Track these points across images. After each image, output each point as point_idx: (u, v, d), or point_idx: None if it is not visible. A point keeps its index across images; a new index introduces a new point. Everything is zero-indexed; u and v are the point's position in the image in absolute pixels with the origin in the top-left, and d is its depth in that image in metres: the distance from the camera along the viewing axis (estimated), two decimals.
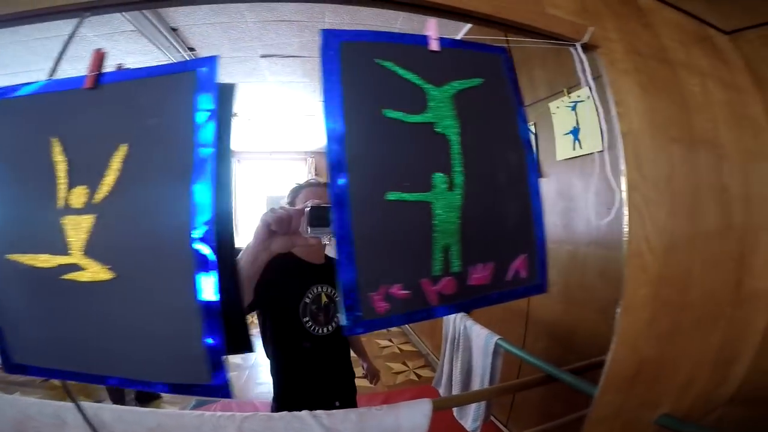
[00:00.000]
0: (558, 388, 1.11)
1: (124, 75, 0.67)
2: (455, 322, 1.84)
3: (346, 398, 1.34)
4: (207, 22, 2.37)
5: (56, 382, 0.74)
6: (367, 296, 0.65)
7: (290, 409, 0.86)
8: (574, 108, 1.68)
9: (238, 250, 0.76)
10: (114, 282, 0.63)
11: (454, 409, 1.70)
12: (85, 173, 0.65)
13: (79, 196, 0.64)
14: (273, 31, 2.49)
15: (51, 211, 0.65)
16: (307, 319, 1.21)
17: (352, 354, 1.49)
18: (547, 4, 0.90)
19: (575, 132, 1.69)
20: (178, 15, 2.27)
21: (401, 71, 0.72)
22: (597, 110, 0.87)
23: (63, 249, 0.64)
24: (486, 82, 0.80)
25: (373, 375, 1.69)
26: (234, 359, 3.50)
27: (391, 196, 0.68)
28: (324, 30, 0.69)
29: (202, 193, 0.60)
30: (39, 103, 0.70)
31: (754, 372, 1.11)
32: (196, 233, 0.60)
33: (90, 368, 0.68)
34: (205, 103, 0.62)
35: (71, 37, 0.72)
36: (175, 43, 2.48)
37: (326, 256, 1.35)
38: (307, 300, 1.22)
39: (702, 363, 1.01)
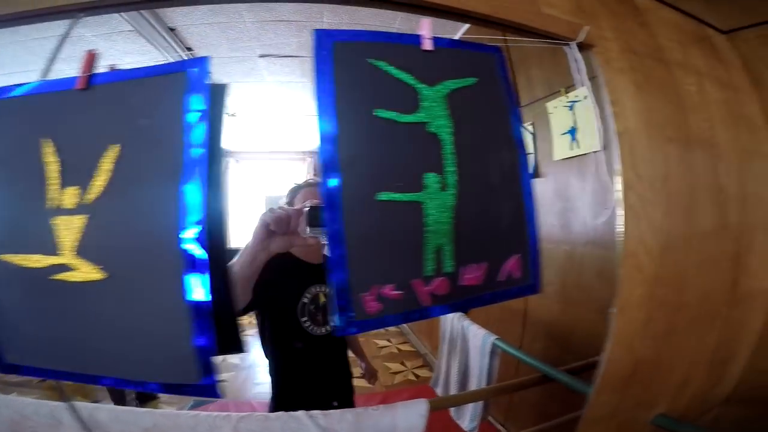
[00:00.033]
0: (556, 388, 1.11)
1: (115, 76, 0.67)
2: (452, 322, 1.84)
3: (344, 398, 1.34)
4: (205, 22, 2.37)
5: (53, 382, 0.74)
6: (359, 297, 0.65)
7: (288, 409, 0.86)
8: (571, 108, 1.68)
9: (230, 251, 0.76)
10: (106, 282, 0.63)
11: (452, 409, 1.70)
12: (77, 174, 0.65)
13: (70, 196, 0.64)
14: (271, 31, 2.49)
15: (43, 211, 0.65)
16: (305, 319, 1.21)
17: (350, 354, 1.49)
18: (542, 3, 0.90)
19: (573, 132, 1.69)
20: (176, 15, 2.27)
21: (394, 71, 0.72)
22: (594, 109, 0.87)
23: (55, 249, 0.64)
24: (480, 82, 0.80)
25: (371, 375, 1.69)
26: (232, 359, 3.50)
27: (383, 196, 0.68)
28: (317, 30, 0.69)
29: (192, 193, 0.60)
30: (32, 104, 0.70)
31: (750, 372, 1.11)
32: (186, 233, 0.60)
33: (83, 368, 0.68)
34: (196, 103, 0.62)
35: (64, 38, 0.72)
36: (173, 43, 2.47)
37: (324, 256, 1.35)
38: (305, 300, 1.22)
39: (698, 363, 1.01)
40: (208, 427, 0.81)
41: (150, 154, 0.63)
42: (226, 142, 0.63)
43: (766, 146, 1.13)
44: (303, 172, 6.30)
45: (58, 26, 0.74)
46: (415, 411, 0.89)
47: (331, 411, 0.86)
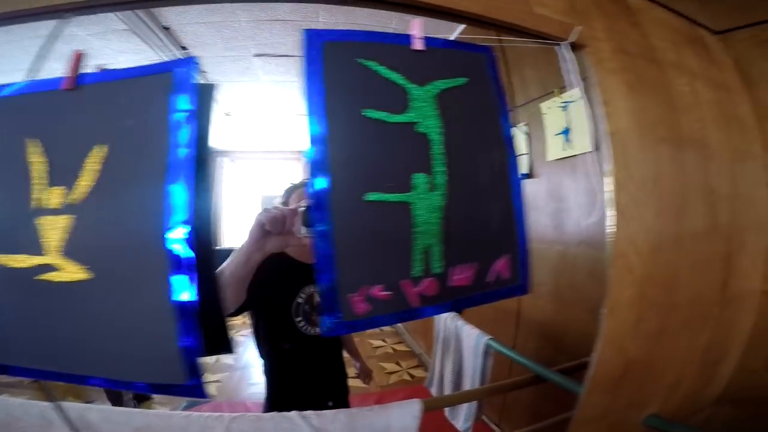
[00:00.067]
0: (549, 388, 1.11)
1: (102, 76, 0.67)
2: (446, 322, 1.84)
3: (339, 398, 1.33)
4: (200, 21, 2.36)
5: (40, 382, 0.74)
6: (347, 297, 0.65)
7: (283, 410, 0.86)
8: (565, 108, 1.68)
9: (219, 251, 0.76)
10: (91, 282, 0.63)
11: (446, 410, 1.70)
12: (64, 174, 0.65)
13: (56, 196, 0.64)
14: (266, 31, 2.48)
15: (28, 211, 0.65)
16: (300, 318, 1.21)
17: (345, 354, 1.49)
18: (535, 3, 0.90)
19: (566, 132, 1.69)
20: (170, 14, 2.26)
21: (384, 71, 0.72)
22: (586, 109, 0.87)
23: (40, 249, 0.64)
24: (470, 82, 0.80)
25: (365, 375, 1.69)
26: (226, 360, 3.49)
27: (372, 196, 0.68)
28: (306, 30, 0.69)
29: (178, 193, 0.60)
30: (19, 104, 0.70)
31: (741, 372, 1.11)
32: (173, 234, 0.59)
33: (70, 368, 0.67)
34: (183, 103, 0.62)
35: (52, 38, 0.72)
36: (167, 42, 2.46)
37: None
38: (300, 300, 1.21)
39: (689, 363, 1.01)
40: (200, 428, 0.81)
41: (137, 154, 0.63)
42: (214, 142, 0.62)
43: (757, 147, 1.14)
44: (298, 171, 6.29)
45: (55, 26, 0.73)
46: (409, 412, 0.89)
47: (325, 411, 0.86)
